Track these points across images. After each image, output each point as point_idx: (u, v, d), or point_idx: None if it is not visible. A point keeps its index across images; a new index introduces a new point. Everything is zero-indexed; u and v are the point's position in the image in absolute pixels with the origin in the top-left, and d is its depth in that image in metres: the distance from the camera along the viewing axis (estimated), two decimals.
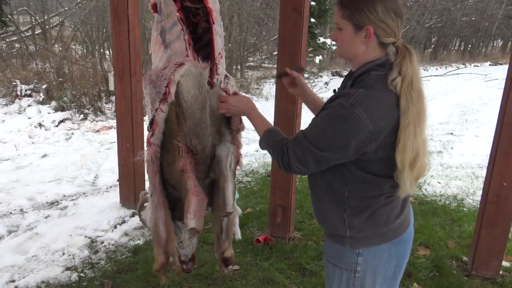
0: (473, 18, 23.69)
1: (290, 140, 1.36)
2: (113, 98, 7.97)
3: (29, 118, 6.86)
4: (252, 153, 5.70)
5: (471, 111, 9.14)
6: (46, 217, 3.65)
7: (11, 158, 5.23)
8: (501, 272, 2.89)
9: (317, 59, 11.16)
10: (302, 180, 4.44)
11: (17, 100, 7.43)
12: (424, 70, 17.40)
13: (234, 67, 11.83)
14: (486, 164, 5.40)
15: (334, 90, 1.49)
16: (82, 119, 7.12)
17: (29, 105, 7.27)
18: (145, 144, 1.83)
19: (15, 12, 12.32)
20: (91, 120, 7.17)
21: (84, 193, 4.25)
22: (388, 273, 1.44)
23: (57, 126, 6.70)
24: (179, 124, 1.61)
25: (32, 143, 5.92)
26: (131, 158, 3.68)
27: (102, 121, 7.24)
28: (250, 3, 12.38)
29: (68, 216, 3.67)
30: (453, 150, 6.09)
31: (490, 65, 21.58)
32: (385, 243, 1.39)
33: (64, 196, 4.15)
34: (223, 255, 1.96)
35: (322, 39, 10.91)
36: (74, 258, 3.00)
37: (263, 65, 14.16)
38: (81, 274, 2.82)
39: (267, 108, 9.16)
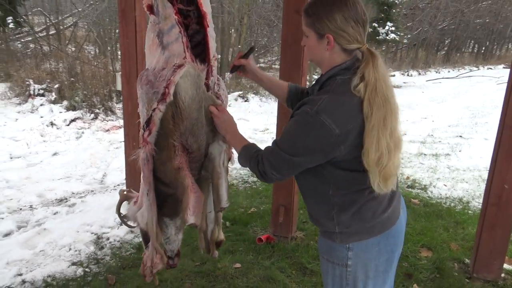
0: (487, 20, 23.42)
1: (264, 149, 1.44)
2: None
3: (41, 117, 7.00)
4: None
5: (481, 113, 9.07)
6: (54, 214, 3.74)
7: (22, 155, 5.36)
8: (502, 275, 2.89)
9: None
10: None
11: (30, 99, 7.59)
12: (436, 72, 17.29)
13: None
14: None
15: (307, 92, 1.59)
16: (92, 119, 7.24)
17: (41, 104, 7.42)
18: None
19: (29, 13, 12.57)
20: (102, 119, 7.29)
21: (92, 191, 4.33)
22: (380, 267, 1.47)
23: (68, 125, 6.82)
24: (175, 123, 1.64)
25: (44, 141, 6.05)
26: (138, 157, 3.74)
27: (112, 120, 7.36)
28: (260, 4, 12.43)
29: (76, 213, 3.76)
30: (461, 153, 6.06)
31: (504, 67, 21.30)
32: (373, 237, 1.42)
33: (73, 193, 4.24)
34: (215, 240, 2.04)
35: None
36: (80, 254, 3.08)
37: (273, 66, 14.20)
38: (87, 269, 2.89)
39: (275, 109, 9.21)
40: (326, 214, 1.43)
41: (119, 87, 4.03)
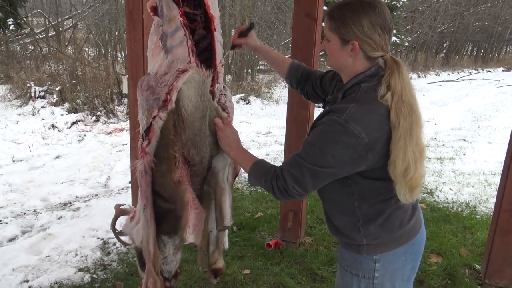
0: (486, 23, 23.47)
1: (283, 163, 1.35)
2: (124, 100, 8.04)
3: (43, 119, 6.96)
4: (263, 157, 5.71)
5: (483, 117, 9.06)
6: (59, 218, 3.70)
7: (25, 159, 5.31)
8: None
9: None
10: None
11: (31, 102, 7.55)
12: (436, 75, 17.31)
13: (245, 70, 11.86)
14: (499, 171, 5.37)
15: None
16: (94, 121, 7.20)
17: (42, 107, 7.38)
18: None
19: (29, 15, 12.53)
20: (103, 122, 7.25)
21: (96, 195, 4.29)
22: (405, 275, 1.45)
23: (70, 127, 6.78)
24: (176, 133, 1.53)
25: (46, 144, 6.00)
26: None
27: (114, 123, 7.32)
28: (261, 7, 12.43)
29: (80, 217, 3.72)
30: (466, 157, 6.04)
31: (503, 70, 21.37)
32: (401, 247, 1.40)
33: (77, 197, 4.20)
34: (213, 266, 1.91)
35: None
36: (86, 259, 3.03)
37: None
38: (94, 276, 2.84)
39: (277, 112, 9.20)
40: (352, 226, 1.39)
41: (125, 90, 3.99)
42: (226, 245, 1.97)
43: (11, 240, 3.30)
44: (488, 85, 14.39)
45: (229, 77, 10.78)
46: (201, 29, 1.64)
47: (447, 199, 4.46)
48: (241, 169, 1.84)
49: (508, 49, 29.08)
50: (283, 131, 7.34)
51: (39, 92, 7.74)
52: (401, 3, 12.23)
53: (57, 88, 7.69)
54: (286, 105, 10.33)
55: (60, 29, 12.29)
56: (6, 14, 10.46)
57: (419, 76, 16.68)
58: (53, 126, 6.65)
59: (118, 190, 4.43)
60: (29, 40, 11.54)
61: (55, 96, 7.58)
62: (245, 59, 11.54)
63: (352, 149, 1.23)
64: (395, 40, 13.94)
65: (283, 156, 5.42)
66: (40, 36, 12.02)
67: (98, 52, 11.59)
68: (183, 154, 1.55)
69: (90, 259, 3.04)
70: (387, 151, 1.27)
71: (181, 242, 1.80)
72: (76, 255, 3.09)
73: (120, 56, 11.55)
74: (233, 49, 1.77)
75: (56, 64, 9.41)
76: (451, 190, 4.70)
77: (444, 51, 24.10)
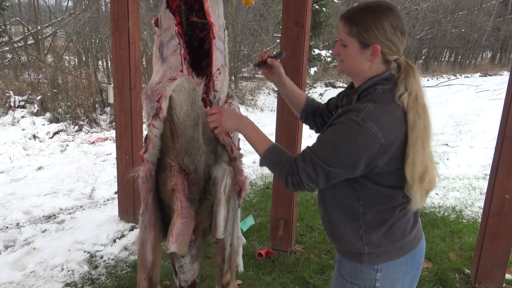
0: (463, 30, 24.02)
1: (298, 158, 1.30)
2: (107, 109, 7.93)
3: (23, 129, 6.80)
4: (250, 165, 5.67)
5: (464, 122, 9.23)
6: (43, 231, 3.59)
7: (5, 170, 5.16)
8: (504, 285, 2.89)
9: (312, 70, 11.22)
10: (302, 193, 4.43)
11: (10, 112, 7.36)
12: None
13: (228, 77, 11.84)
14: (483, 175, 5.47)
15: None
16: (77, 131, 7.07)
17: (22, 117, 7.21)
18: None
19: (7, 23, 12.27)
20: (86, 131, 7.12)
21: (81, 206, 4.19)
22: (405, 286, 1.44)
23: (51, 137, 6.64)
24: (173, 141, 1.54)
25: (27, 155, 5.85)
26: (130, 171, 3.63)
27: (97, 132, 7.19)
28: (243, 14, 12.45)
29: (65, 230, 3.62)
30: (449, 161, 6.13)
31: (480, 76, 21.86)
32: (402, 257, 1.39)
33: (61, 209, 4.09)
34: (224, 286, 1.87)
35: (317, 51, 10.97)
36: (73, 274, 2.95)
37: (256, 75, 14.21)
38: None
39: (262, 120, 9.19)
40: (354, 233, 1.37)
41: (111, 99, 3.93)
42: (241, 268, 1.93)
43: None
44: (467, 91, 14.70)
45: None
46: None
47: (434, 203, 4.50)
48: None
49: (484, 55, 29.80)
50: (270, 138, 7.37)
51: (19, 101, 7.56)
52: None
53: (38, 98, 7.54)
54: (270, 112, 10.34)
55: (39, 37, 12.08)
56: None
57: None
58: (34, 137, 6.50)
59: (104, 201, 4.34)
60: (7, 48, 11.31)
61: (35, 105, 7.42)
62: (228, 67, 11.51)
63: (368, 150, 1.22)
64: None
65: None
66: (19, 44, 11.80)
67: (78, 61, 11.42)
68: (178, 162, 1.55)
69: (77, 274, 2.95)
70: (401, 154, 1.26)
71: (199, 252, 1.78)
72: (62, 269, 3.00)
73: (101, 64, 11.40)
74: (259, 66, 1.64)
75: (36, 72, 9.22)
76: (437, 194, 4.75)
77: (423, 57, 24.54)
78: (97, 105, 7.96)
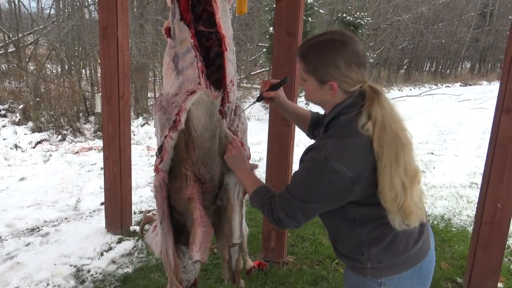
0: (443, 41, 24.55)
1: (276, 197, 1.38)
2: (92, 118, 7.80)
3: (4, 139, 6.63)
4: None
5: (448, 130, 9.37)
6: (27, 245, 3.47)
7: None
8: None
9: None
10: None
11: None
12: (399, 90, 17.84)
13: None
14: (469, 184, 5.53)
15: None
16: (60, 140, 6.93)
17: (3, 126, 7.05)
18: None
19: None
20: (70, 141, 6.99)
21: (66, 218, 4.08)
22: None
23: (34, 147, 6.49)
24: (188, 152, 1.59)
25: (8, 165, 5.70)
26: (118, 181, 3.56)
27: (81, 142, 7.07)
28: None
29: (50, 243, 3.50)
30: (435, 170, 6.19)
31: (460, 85, 22.31)
32: (407, 270, 1.36)
33: (45, 221, 3.97)
34: (244, 269, 2.02)
35: None
36: None
37: (241, 84, 14.22)
38: None
39: (249, 129, 9.15)
40: (357, 250, 1.37)
41: (98, 108, 3.85)
42: (246, 229, 2.03)
43: None
44: (449, 100, 14.95)
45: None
46: (216, 47, 1.67)
47: None
48: None
49: (463, 65, 30.47)
50: (256, 148, 7.33)
51: (0, 110, 7.39)
52: (365, 21, 12.60)
53: (20, 106, 7.38)
54: (257, 121, 10.32)
55: (21, 45, 11.86)
56: None
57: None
58: (16, 146, 6.34)
59: (90, 212, 4.23)
60: None
61: (17, 114, 7.27)
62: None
63: (337, 184, 1.23)
64: None
65: (258, 173, 5.37)
66: None
67: (61, 69, 11.24)
68: (194, 172, 1.61)
69: None
70: (375, 180, 1.25)
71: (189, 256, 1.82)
72: (48, 284, 2.89)
73: (85, 73, 11.24)
74: (260, 101, 1.69)
75: (17, 81, 9.04)
76: (425, 203, 4.77)
77: (405, 67, 24.97)
78: (81, 114, 7.84)
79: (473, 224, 3.08)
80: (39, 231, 3.78)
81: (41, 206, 4.33)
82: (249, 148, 1.86)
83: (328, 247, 3.44)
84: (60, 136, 6.99)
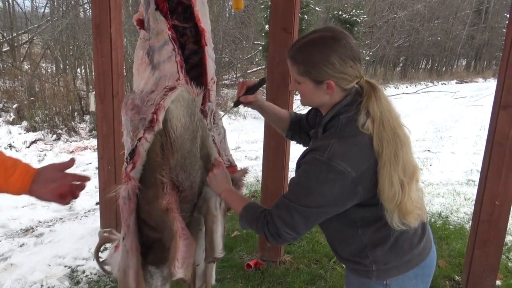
0: (439, 38, 24.58)
1: (272, 207, 1.30)
2: (87, 117, 7.74)
3: None
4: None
5: (444, 128, 9.37)
6: (21, 246, 3.43)
7: None
8: None
9: None
10: None
11: None
12: (395, 88, 17.85)
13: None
14: (466, 181, 5.52)
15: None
16: (55, 140, 6.87)
17: None
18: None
19: None
20: (65, 140, 6.93)
21: (61, 219, 4.04)
22: None
23: (28, 147, 6.43)
24: (164, 156, 1.41)
25: None
26: (112, 181, 3.52)
27: (76, 141, 7.01)
28: (225, 22, 12.44)
29: (45, 244, 3.46)
30: (432, 167, 6.18)
31: (456, 83, 22.36)
32: (411, 270, 1.34)
33: (40, 222, 3.93)
34: None
35: None
36: None
37: (238, 83, 14.19)
38: None
39: (245, 127, 9.15)
40: (360, 253, 1.33)
41: (92, 107, 3.80)
42: (213, 280, 1.82)
43: None
44: (445, 97, 14.96)
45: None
46: (191, 44, 1.53)
47: None
48: None
49: (459, 63, 30.53)
50: (253, 146, 7.31)
51: None
52: (361, 18, 12.58)
53: (14, 106, 7.32)
54: (253, 120, 10.26)
55: (15, 44, 11.76)
56: None
57: None
58: (11, 146, 6.28)
59: (85, 212, 4.19)
60: None
61: (11, 114, 7.20)
62: None
63: (340, 186, 1.18)
64: None
65: (255, 171, 5.35)
66: None
67: (55, 68, 11.16)
68: (172, 179, 1.43)
69: None
70: (377, 179, 1.22)
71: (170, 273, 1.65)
72: (42, 286, 2.85)
73: (80, 72, 11.17)
74: (237, 105, 1.58)
75: (11, 80, 8.96)
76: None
77: (401, 64, 24.98)
78: (75, 113, 7.78)
79: (470, 221, 3.06)
80: (33, 231, 3.74)
81: (36, 207, 4.28)
82: (231, 156, 1.73)
83: (326, 245, 3.41)
84: (55, 136, 6.93)
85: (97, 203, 4.14)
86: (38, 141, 6.65)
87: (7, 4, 12.40)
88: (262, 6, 10.69)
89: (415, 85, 19.37)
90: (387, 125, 1.21)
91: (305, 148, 1.32)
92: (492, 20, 27.18)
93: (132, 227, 1.48)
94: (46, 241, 3.52)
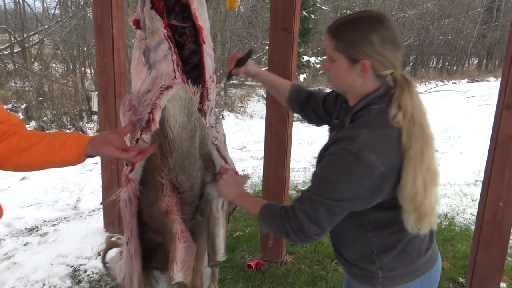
0: (450, 37, 24.32)
1: (294, 202, 1.24)
2: (94, 117, 7.80)
3: None
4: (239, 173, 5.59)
5: (453, 128, 9.26)
6: (25, 245, 3.46)
7: None
8: None
9: (301, 77, 11.22)
10: (291, 199, 4.35)
11: None
12: None
13: (217, 85, 11.78)
14: (473, 182, 5.44)
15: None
16: None
17: None
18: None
19: None
20: None
21: (66, 218, 4.07)
22: None
23: None
24: (163, 157, 1.39)
25: None
26: (115, 181, 3.54)
27: None
28: (233, 21, 12.44)
29: (48, 243, 3.49)
30: (440, 167, 6.08)
31: (467, 82, 22.09)
32: (418, 278, 1.30)
33: (44, 221, 3.97)
34: None
35: (306, 58, 10.97)
36: None
37: (246, 82, 14.17)
38: None
39: (251, 127, 9.14)
40: (367, 258, 1.28)
41: (95, 107, 3.83)
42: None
43: None
44: (455, 97, 14.80)
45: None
46: (191, 43, 1.50)
47: None
48: None
49: (470, 62, 30.17)
50: (259, 146, 7.30)
51: None
52: None
53: (23, 106, 7.40)
54: (260, 120, 10.29)
55: (26, 45, 11.92)
56: None
57: None
58: None
59: (89, 212, 4.22)
60: None
61: (20, 114, 7.28)
62: (217, 74, 11.47)
63: (367, 180, 1.13)
64: None
65: (260, 171, 5.33)
66: (5, 53, 11.62)
67: (66, 68, 11.28)
68: (171, 180, 1.41)
69: None
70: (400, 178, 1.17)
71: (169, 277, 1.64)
72: (44, 285, 2.88)
73: (89, 72, 11.27)
74: (230, 79, 1.60)
75: (21, 81, 9.08)
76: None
77: (411, 64, 24.76)
78: (83, 114, 7.84)
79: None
80: (38, 230, 3.77)
81: (41, 206, 4.33)
82: (232, 162, 1.70)
83: (328, 246, 3.39)
84: None
85: (101, 203, 4.17)
86: None
87: (18, 6, 12.57)
88: (268, 6, 10.67)
89: (425, 84, 19.17)
90: (417, 121, 1.16)
91: (325, 142, 1.27)
92: (504, 18, 26.78)
93: (135, 230, 1.47)
94: (50, 240, 3.54)
